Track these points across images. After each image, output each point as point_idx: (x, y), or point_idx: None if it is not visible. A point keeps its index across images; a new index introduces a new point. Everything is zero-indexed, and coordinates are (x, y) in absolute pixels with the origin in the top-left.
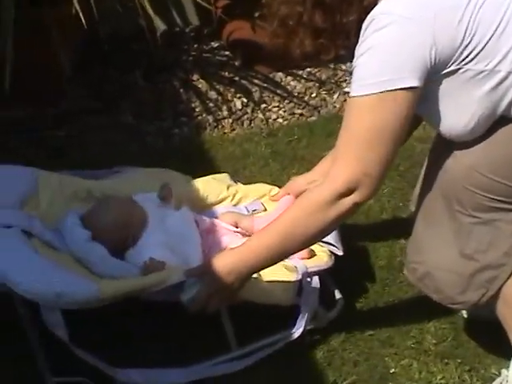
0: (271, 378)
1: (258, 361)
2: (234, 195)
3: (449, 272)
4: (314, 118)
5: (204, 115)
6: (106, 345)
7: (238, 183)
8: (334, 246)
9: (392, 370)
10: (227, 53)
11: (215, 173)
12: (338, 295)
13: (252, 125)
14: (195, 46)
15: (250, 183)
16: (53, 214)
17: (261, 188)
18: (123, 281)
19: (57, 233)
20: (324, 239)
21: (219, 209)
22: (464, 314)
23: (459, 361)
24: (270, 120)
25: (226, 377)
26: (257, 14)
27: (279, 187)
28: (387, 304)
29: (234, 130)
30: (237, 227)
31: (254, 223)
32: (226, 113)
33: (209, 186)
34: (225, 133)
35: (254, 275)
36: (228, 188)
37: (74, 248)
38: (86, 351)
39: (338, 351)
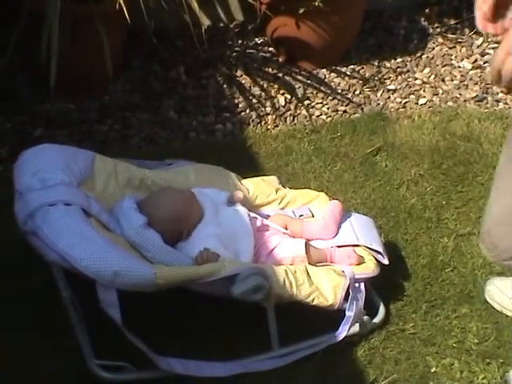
0: (312, 374)
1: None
2: (282, 198)
3: (504, 225)
4: (357, 115)
5: (247, 111)
6: (149, 331)
7: (287, 187)
8: (380, 254)
9: (433, 369)
10: (271, 49)
11: (258, 169)
12: (379, 302)
13: (295, 121)
14: (239, 41)
15: (292, 180)
16: (107, 197)
17: (308, 194)
18: (179, 268)
19: (112, 215)
20: (372, 247)
21: (267, 210)
22: (508, 312)
23: (501, 361)
24: (314, 117)
25: (267, 372)
26: (301, 11)
27: (322, 185)
28: (429, 303)
29: (277, 126)
30: (286, 229)
31: (303, 227)
32: (269, 109)
33: (259, 188)
34: (268, 129)
35: (303, 276)
36: (277, 191)
37: (129, 232)
38: (133, 335)
39: (379, 349)
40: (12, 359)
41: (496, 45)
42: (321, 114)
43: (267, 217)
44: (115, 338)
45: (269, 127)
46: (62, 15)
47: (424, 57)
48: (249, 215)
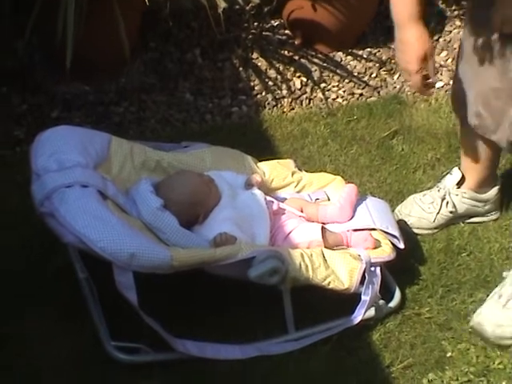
0: (327, 358)
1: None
2: (298, 182)
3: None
4: (373, 99)
5: (263, 94)
6: (166, 314)
7: (303, 170)
8: (396, 238)
9: (449, 354)
10: (287, 31)
11: (274, 152)
12: (394, 286)
13: (311, 104)
14: (255, 24)
15: (308, 163)
16: (123, 179)
17: (324, 177)
18: (195, 250)
19: (128, 198)
20: (388, 231)
21: (283, 194)
22: None
23: None
24: (330, 100)
25: (283, 355)
26: None
27: (338, 168)
28: (445, 287)
29: (292, 109)
30: (302, 212)
31: (318, 211)
32: (285, 92)
33: (275, 171)
34: (284, 112)
35: (319, 260)
36: (293, 174)
37: (145, 214)
38: (149, 317)
39: (395, 333)
40: (27, 341)
41: None
42: (337, 97)
43: (283, 200)
44: (131, 320)
45: (285, 110)
46: None
47: (441, 40)
48: (265, 199)
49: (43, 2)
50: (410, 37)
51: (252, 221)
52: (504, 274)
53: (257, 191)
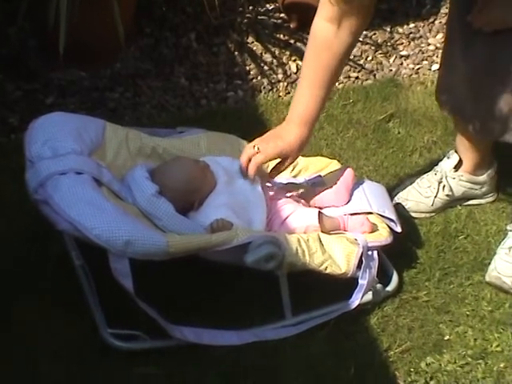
0: (325, 342)
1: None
2: (294, 166)
3: None
4: (369, 82)
5: (259, 78)
6: (162, 301)
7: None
8: (393, 222)
9: (446, 337)
10: (282, 15)
11: None
12: (392, 270)
13: None
14: (250, 8)
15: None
16: (118, 165)
17: (320, 161)
18: (191, 236)
19: (124, 184)
20: (385, 214)
21: (279, 179)
22: None
23: None
24: None
25: (280, 341)
26: None
27: (334, 152)
28: (442, 270)
29: (288, 93)
30: (298, 197)
31: (315, 195)
32: (280, 76)
33: None
34: (279, 96)
35: (316, 245)
36: None
37: (140, 200)
38: (145, 304)
39: (392, 317)
40: (24, 328)
41: None
42: None
43: (279, 185)
44: (128, 308)
45: (280, 94)
46: None
47: (437, 22)
48: (262, 184)
49: None
50: (288, 133)
51: (248, 206)
52: (508, 227)
53: (255, 177)
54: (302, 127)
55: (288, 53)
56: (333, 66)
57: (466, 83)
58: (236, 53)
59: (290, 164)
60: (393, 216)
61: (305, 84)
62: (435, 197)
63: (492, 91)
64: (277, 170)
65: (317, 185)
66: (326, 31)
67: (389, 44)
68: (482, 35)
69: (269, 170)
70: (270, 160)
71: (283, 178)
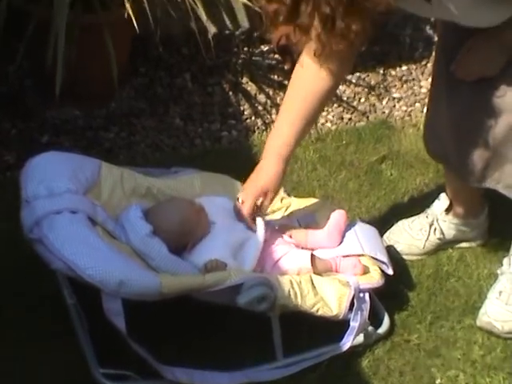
0: None
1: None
2: (287, 207)
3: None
4: (362, 124)
5: (253, 118)
6: (154, 341)
7: (292, 196)
8: (385, 264)
9: (438, 381)
10: (277, 56)
11: None
12: (383, 313)
13: None
14: (245, 49)
15: (297, 188)
16: (113, 205)
17: (313, 202)
18: (184, 277)
19: (118, 223)
20: (377, 257)
21: (272, 220)
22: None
23: (508, 371)
24: (319, 124)
25: (272, 382)
26: None
27: (327, 193)
28: (434, 313)
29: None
30: (291, 238)
31: (307, 236)
32: (274, 116)
33: None
34: None
35: (308, 287)
36: (282, 200)
37: (134, 240)
38: (137, 344)
39: (384, 360)
40: (14, 366)
41: None
42: (326, 122)
43: (272, 226)
44: (120, 347)
45: None
46: (69, 23)
47: (429, 65)
48: (263, 225)
49: (35, 28)
50: (266, 170)
51: (244, 245)
52: (499, 271)
53: (258, 218)
54: (278, 162)
55: (282, 94)
56: (313, 103)
57: (450, 128)
58: (230, 93)
59: (273, 197)
60: (384, 258)
61: (283, 118)
62: (426, 240)
63: (473, 137)
64: (263, 207)
65: (309, 226)
66: (310, 69)
67: (382, 86)
68: (466, 82)
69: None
70: (252, 207)
71: (276, 218)
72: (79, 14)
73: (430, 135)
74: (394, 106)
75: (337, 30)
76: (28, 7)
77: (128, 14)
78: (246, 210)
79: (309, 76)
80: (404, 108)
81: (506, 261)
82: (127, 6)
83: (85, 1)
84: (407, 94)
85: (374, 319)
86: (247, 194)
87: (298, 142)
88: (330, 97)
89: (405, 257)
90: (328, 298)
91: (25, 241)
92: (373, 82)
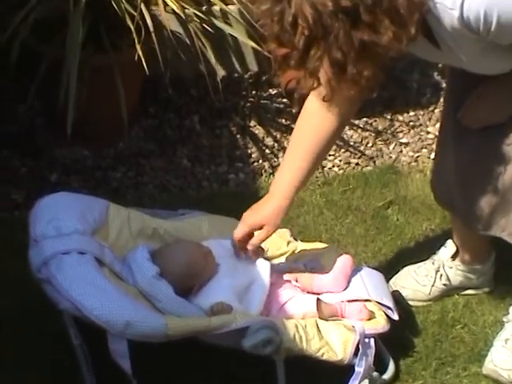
0: None
1: None
2: (293, 251)
3: None
4: (369, 168)
5: (260, 161)
6: (158, 379)
7: (298, 240)
8: (391, 309)
9: None
10: (285, 100)
11: None
12: (388, 358)
13: None
14: (253, 92)
15: (303, 232)
16: (120, 246)
17: (319, 247)
18: (190, 319)
19: (125, 264)
20: (383, 302)
21: (278, 263)
22: None
23: None
24: (326, 169)
25: None
26: None
27: (333, 237)
28: (439, 360)
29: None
30: (296, 282)
31: (313, 281)
32: (282, 159)
33: (270, 240)
34: None
35: (313, 331)
36: (288, 244)
37: (141, 282)
38: None
39: None
40: None
41: None
42: (333, 166)
43: (278, 269)
44: None
45: None
46: (81, 64)
47: (437, 111)
48: (270, 268)
49: (46, 68)
50: (265, 205)
51: (250, 287)
52: (504, 318)
53: (264, 261)
54: (282, 199)
55: (289, 137)
56: (319, 145)
57: (456, 175)
58: (238, 136)
59: (270, 233)
60: (390, 304)
61: (289, 157)
62: (432, 286)
63: (480, 184)
64: (256, 240)
65: (315, 270)
66: (317, 109)
67: (389, 131)
68: (473, 129)
69: (267, 253)
70: (245, 234)
71: (282, 262)
72: (90, 55)
73: (438, 181)
74: (401, 151)
75: (348, 75)
76: (40, 47)
77: (138, 56)
78: (236, 233)
79: (315, 118)
80: (411, 153)
81: None
82: (138, 47)
83: (96, 41)
84: (414, 139)
85: (379, 365)
86: (243, 220)
87: (304, 182)
88: (335, 138)
89: (410, 302)
90: (333, 343)
91: (32, 280)
92: (380, 127)
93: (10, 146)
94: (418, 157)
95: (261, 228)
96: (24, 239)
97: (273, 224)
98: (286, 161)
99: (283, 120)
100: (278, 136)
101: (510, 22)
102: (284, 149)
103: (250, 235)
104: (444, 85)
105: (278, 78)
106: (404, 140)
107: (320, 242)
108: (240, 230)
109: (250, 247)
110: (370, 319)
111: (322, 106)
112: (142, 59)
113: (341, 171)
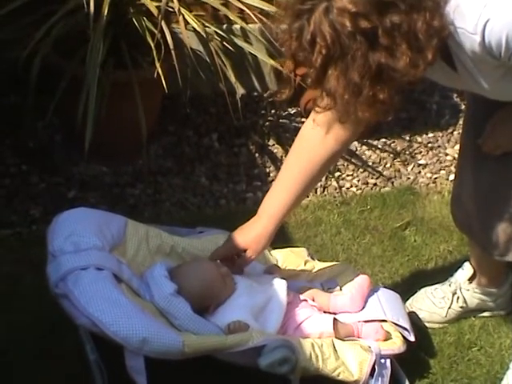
0: None
1: None
2: (310, 270)
3: None
4: (387, 189)
5: None
6: None
7: (315, 260)
8: (407, 330)
9: None
10: (304, 119)
11: (287, 239)
12: (404, 379)
13: (325, 192)
14: (272, 111)
15: (320, 251)
16: (138, 262)
17: (336, 266)
18: (207, 337)
19: (142, 281)
20: (399, 323)
21: (296, 282)
22: None
23: None
24: (344, 188)
25: None
26: None
27: (350, 257)
28: (455, 382)
29: (307, 196)
30: (313, 301)
31: (330, 300)
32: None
33: (288, 259)
34: None
35: (329, 350)
36: (305, 263)
37: (158, 299)
38: None
39: None
40: None
41: None
42: (351, 186)
43: (295, 289)
44: None
45: None
46: (101, 81)
47: (455, 133)
48: (287, 288)
49: (66, 85)
50: (250, 228)
51: (267, 307)
52: (511, 365)
53: (281, 280)
54: (268, 223)
55: None
56: (312, 169)
57: (475, 200)
58: (257, 154)
59: (252, 257)
60: (407, 325)
61: (282, 180)
62: (449, 308)
63: (498, 209)
64: (238, 265)
65: (332, 290)
66: (314, 134)
67: (407, 152)
68: (492, 155)
69: (284, 273)
70: (224, 256)
71: (299, 281)
72: (110, 71)
73: (456, 205)
74: (419, 172)
75: (363, 97)
76: (60, 63)
77: (157, 73)
78: (215, 253)
79: (311, 143)
80: (429, 175)
81: None
82: (157, 64)
83: (116, 58)
84: (432, 160)
85: None
86: (228, 240)
87: (294, 205)
88: (333, 162)
89: (427, 324)
90: (349, 363)
91: (50, 295)
92: (399, 148)
93: (29, 162)
94: (436, 178)
95: (244, 251)
96: (41, 254)
97: (254, 249)
98: (278, 184)
99: None
100: None
101: None
102: None
103: (231, 256)
104: (463, 107)
105: (280, 96)
106: (422, 161)
107: (337, 261)
108: (220, 252)
109: (237, 270)
110: (386, 340)
111: (318, 131)
112: (162, 76)
113: (359, 191)
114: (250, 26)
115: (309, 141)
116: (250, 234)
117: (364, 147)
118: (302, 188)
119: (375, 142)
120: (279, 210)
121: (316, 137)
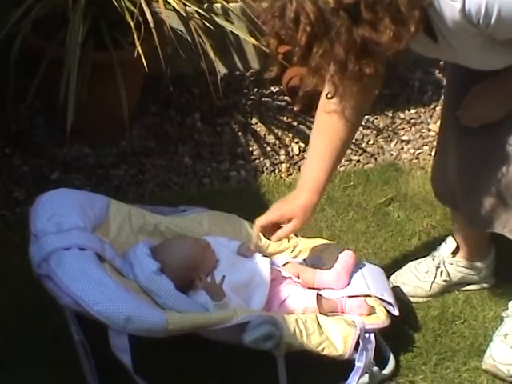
0: None
1: None
2: (294, 247)
3: None
4: (370, 166)
5: (261, 159)
6: (159, 374)
7: (299, 236)
8: (391, 305)
9: None
10: (286, 98)
11: None
12: (389, 353)
13: None
14: (255, 90)
15: (304, 228)
16: (120, 242)
17: (320, 243)
18: (190, 315)
19: (125, 260)
20: (383, 297)
21: (279, 259)
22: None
23: None
24: None
25: None
26: None
27: (334, 234)
28: (439, 355)
29: (290, 174)
30: (298, 278)
31: (315, 276)
32: (283, 157)
33: None
34: (281, 177)
35: (313, 326)
36: (289, 240)
37: (141, 277)
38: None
39: None
40: None
41: None
42: None
43: (279, 265)
44: (125, 382)
45: (282, 175)
46: (81, 62)
47: (438, 108)
48: (271, 266)
49: (47, 67)
50: (295, 198)
51: (250, 285)
52: (503, 314)
53: (264, 258)
54: (311, 193)
55: (291, 135)
56: (339, 144)
57: (458, 173)
58: (240, 133)
59: (294, 228)
60: (391, 299)
61: (313, 155)
62: (433, 282)
63: (482, 182)
64: (282, 233)
65: (316, 266)
66: (331, 110)
67: (390, 129)
68: (476, 128)
69: (268, 249)
70: (269, 221)
71: (283, 258)
72: (91, 52)
73: (438, 178)
74: (402, 148)
75: (349, 72)
76: (41, 45)
77: (138, 53)
78: (261, 219)
79: (331, 119)
80: (412, 151)
81: (511, 304)
82: (137, 44)
83: (97, 39)
84: (415, 136)
85: (380, 360)
86: (273, 208)
87: (329, 175)
88: (352, 136)
89: (411, 298)
90: (333, 338)
91: (33, 276)
92: (381, 125)
93: (11, 144)
94: (418, 154)
95: (288, 221)
96: (25, 236)
97: (301, 218)
98: (311, 158)
99: (284, 118)
100: (280, 133)
101: (509, 16)
102: (285, 146)
103: (273, 226)
104: (445, 82)
105: (269, 73)
106: (405, 137)
107: (321, 238)
108: (266, 217)
109: (274, 239)
110: (370, 314)
111: (336, 106)
112: (142, 56)
113: (342, 168)
114: (231, 4)
115: (328, 118)
116: (297, 204)
117: None
118: (334, 159)
119: None
120: (317, 181)
121: (333, 115)
